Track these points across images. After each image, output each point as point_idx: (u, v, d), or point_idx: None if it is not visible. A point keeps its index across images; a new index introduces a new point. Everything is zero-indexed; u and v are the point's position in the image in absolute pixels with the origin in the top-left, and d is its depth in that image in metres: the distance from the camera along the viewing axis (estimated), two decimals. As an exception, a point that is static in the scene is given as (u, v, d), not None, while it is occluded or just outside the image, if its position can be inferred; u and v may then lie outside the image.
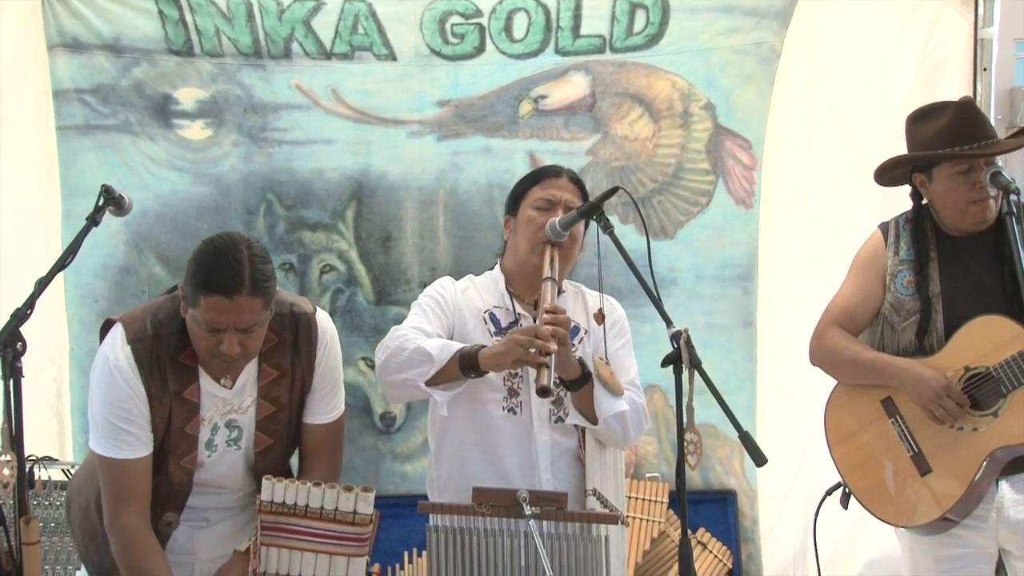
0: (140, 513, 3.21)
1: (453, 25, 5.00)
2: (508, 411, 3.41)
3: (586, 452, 3.44)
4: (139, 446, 3.20)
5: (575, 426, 3.43)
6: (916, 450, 3.62)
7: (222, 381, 3.26)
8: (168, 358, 3.20)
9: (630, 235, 4.63)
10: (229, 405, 3.30)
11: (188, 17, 4.88)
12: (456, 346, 3.27)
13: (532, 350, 3.08)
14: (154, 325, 3.22)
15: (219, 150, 4.99)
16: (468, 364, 3.22)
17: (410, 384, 3.28)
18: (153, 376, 3.18)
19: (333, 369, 3.43)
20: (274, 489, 3.05)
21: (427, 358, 3.24)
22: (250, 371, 3.30)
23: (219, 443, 3.31)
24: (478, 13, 5.00)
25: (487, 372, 3.25)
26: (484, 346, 3.25)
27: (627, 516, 3.49)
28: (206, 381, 3.25)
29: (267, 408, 3.34)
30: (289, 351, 3.33)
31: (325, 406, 3.42)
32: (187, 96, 4.97)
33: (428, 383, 3.25)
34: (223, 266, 3.05)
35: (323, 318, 3.43)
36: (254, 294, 3.06)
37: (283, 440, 3.40)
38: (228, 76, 4.96)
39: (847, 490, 3.78)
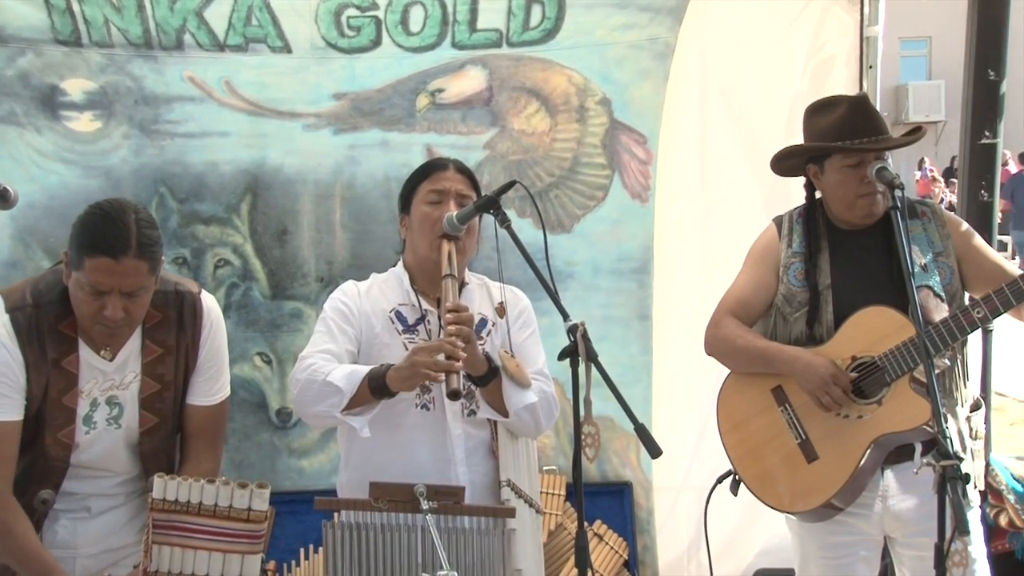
0: (3, 478, 3.16)
1: (349, 18, 4.95)
2: (421, 408, 3.40)
3: (499, 444, 3.45)
4: (10, 409, 3.16)
5: (487, 418, 3.44)
6: (804, 437, 3.69)
7: (102, 353, 3.24)
8: (48, 327, 3.18)
9: (527, 229, 4.60)
10: (110, 380, 3.27)
11: (76, 7, 4.75)
12: (363, 372, 3.25)
13: (440, 358, 3.07)
14: (34, 295, 3.21)
15: (109, 142, 4.87)
16: (377, 388, 3.21)
17: (327, 415, 3.27)
18: (31, 344, 3.16)
19: (219, 350, 3.43)
20: (166, 487, 3.01)
21: (336, 391, 3.22)
22: (132, 346, 3.27)
23: (99, 420, 3.27)
24: (374, 6, 4.96)
25: (398, 392, 3.23)
26: (391, 366, 3.22)
27: (539, 504, 3.50)
28: (86, 352, 3.23)
29: (152, 386, 3.31)
30: (174, 328, 3.32)
31: (210, 387, 3.42)
32: (75, 87, 4.84)
33: (343, 412, 3.24)
34: (110, 228, 3.05)
35: (208, 299, 3.43)
36: (140, 257, 3.06)
37: (168, 420, 3.37)
38: (118, 67, 4.85)
39: (737, 478, 3.83)
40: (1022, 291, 3.43)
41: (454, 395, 3.04)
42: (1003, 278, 3.55)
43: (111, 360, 3.25)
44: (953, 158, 23.95)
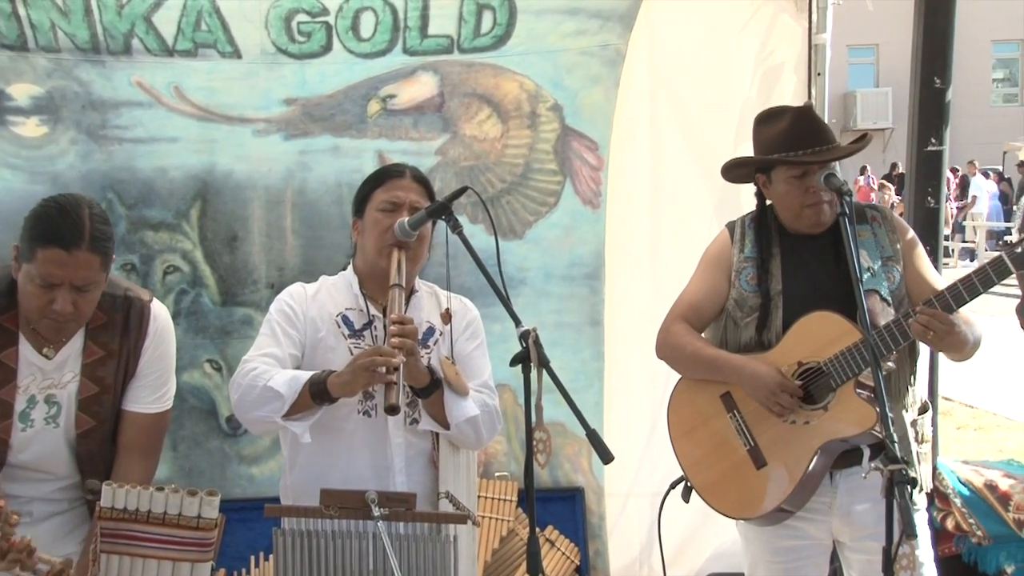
0: None
1: (299, 23, 4.93)
2: (363, 414, 3.38)
3: (439, 454, 3.43)
4: None
5: (429, 430, 3.42)
6: (752, 444, 3.70)
7: (44, 350, 3.22)
8: None
9: (479, 235, 4.60)
10: (49, 379, 3.25)
11: (21, 11, 4.70)
12: (305, 377, 3.23)
13: (380, 369, 3.06)
14: None
15: (56, 147, 4.83)
16: (318, 393, 3.20)
17: (267, 421, 3.26)
18: None
19: (162, 358, 3.40)
20: (115, 495, 2.97)
21: (277, 396, 3.20)
22: (74, 345, 3.26)
23: (36, 418, 3.25)
24: (324, 11, 4.94)
25: (339, 398, 3.22)
26: (332, 372, 3.21)
27: (478, 516, 3.48)
28: (26, 348, 3.21)
29: (90, 388, 3.29)
30: (118, 333, 3.30)
31: (148, 395, 3.39)
32: (21, 92, 4.79)
33: (284, 417, 3.22)
34: (64, 220, 3.06)
35: (159, 308, 3.42)
36: (93, 250, 3.07)
37: (106, 424, 3.34)
38: (65, 72, 4.80)
39: (688, 484, 3.85)
40: (961, 294, 3.45)
41: (391, 410, 3.02)
42: (930, 294, 3.57)
43: (51, 359, 3.24)
44: (893, 165, 24.25)
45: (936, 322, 3.43)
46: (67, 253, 3.03)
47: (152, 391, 3.40)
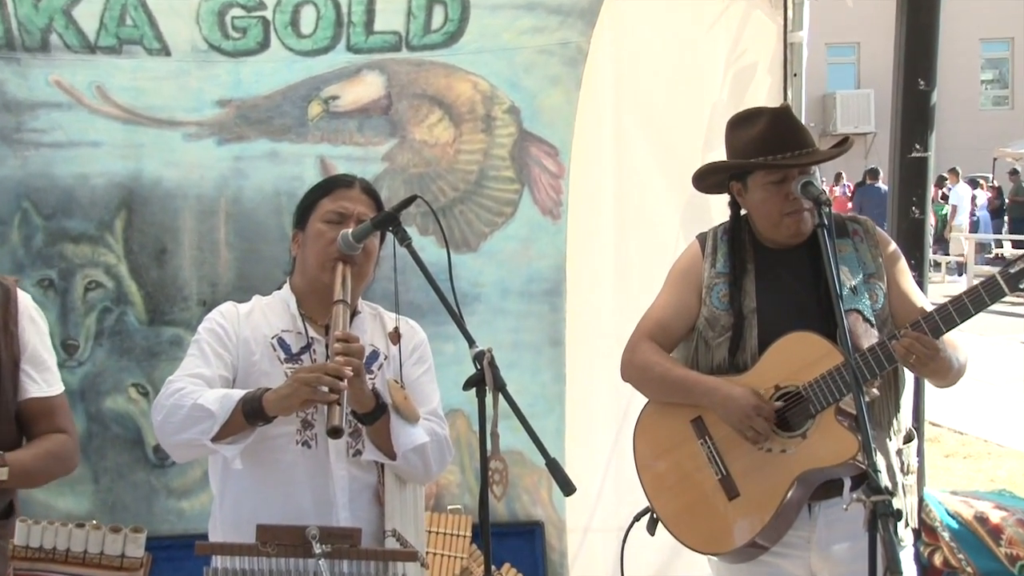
0: None
1: (234, 18, 4.93)
2: (302, 444, 3.36)
3: (385, 489, 3.41)
4: None
5: (374, 461, 3.41)
6: (724, 473, 3.70)
7: None
8: None
9: (430, 247, 4.63)
10: None
11: (-73, 3, 4.69)
12: (238, 395, 3.22)
13: (323, 388, 3.06)
14: None
15: (-34, 152, 4.80)
16: (252, 411, 3.17)
17: (195, 444, 3.23)
18: None
19: (44, 336, 3.49)
20: (30, 532, 2.95)
21: (207, 414, 3.18)
22: None
23: None
24: (261, 5, 4.95)
25: (276, 417, 3.20)
26: (268, 389, 3.20)
27: (427, 554, 3.48)
28: None
29: None
30: None
31: (42, 377, 3.45)
32: (-72, 91, 4.78)
33: (214, 440, 3.20)
34: None
35: (24, 294, 3.48)
36: None
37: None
38: (-25, 70, 4.78)
39: (655, 515, 3.84)
40: (951, 317, 3.48)
41: (335, 432, 3.02)
42: (914, 313, 3.60)
43: None
44: (866, 172, 24.43)
45: (919, 346, 3.45)
46: None
47: (43, 374, 3.45)
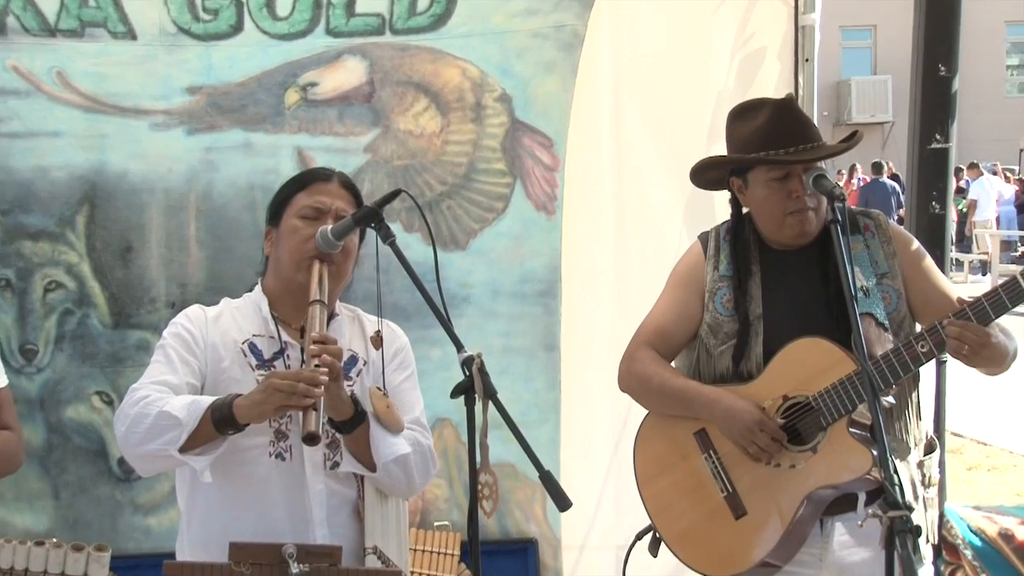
0: None
1: (205, -1, 4.93)
2: (276, 457, 3.36)
3: (365, 504, 3.42)
4: None
5: (353, 474, 3.42)
6: (730, 490, 3.71)
7: None
8: None
9: (415, 245, 4.64)
10: None
11: None
12: (207, 401, 3.21)
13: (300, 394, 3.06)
14: None
15: (-85, 143, 4.81)
16: (222, 419, 3.16)
17: (161, 455, 3.22)
18: None
19: None
20: (-13, 553, 2.96)
21: (174, 423, 3.17)
22: None
23: None
24: (235, -15, 4.95)
25: (247, 425, 3.20)
26: (239, 395, 3.19)
27: (411, 573, 3.49)
28: None
29: None
30: None
31: None
32: None
33: (182, 450, 3.19)
34: None
35: None
36: None
37: None
38: (-74, 54, 4.79)
39: (657, 535, 3.85)
40: (1002, 302, 3.45)
41: (311, 439, 3.02)
42: (950, 308, 3.57)
43: None
44: (873, 164, 24.43)
45: (970, 334, 3.45)
46: None
47: None
